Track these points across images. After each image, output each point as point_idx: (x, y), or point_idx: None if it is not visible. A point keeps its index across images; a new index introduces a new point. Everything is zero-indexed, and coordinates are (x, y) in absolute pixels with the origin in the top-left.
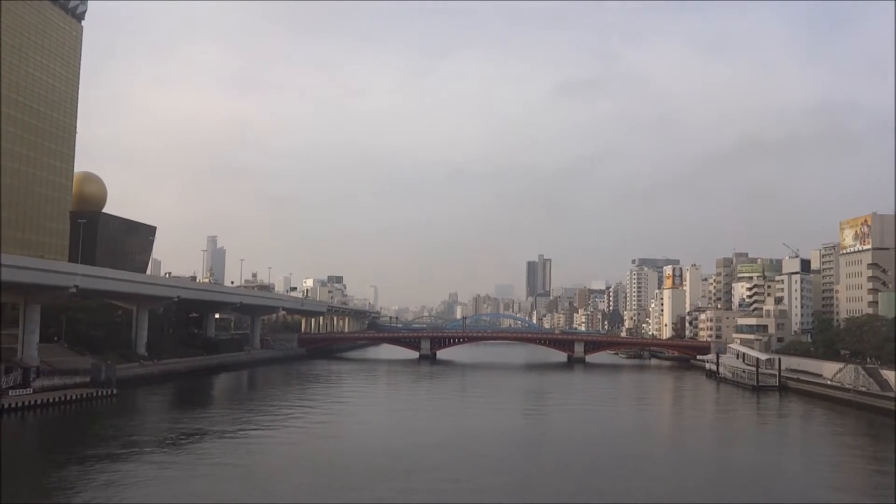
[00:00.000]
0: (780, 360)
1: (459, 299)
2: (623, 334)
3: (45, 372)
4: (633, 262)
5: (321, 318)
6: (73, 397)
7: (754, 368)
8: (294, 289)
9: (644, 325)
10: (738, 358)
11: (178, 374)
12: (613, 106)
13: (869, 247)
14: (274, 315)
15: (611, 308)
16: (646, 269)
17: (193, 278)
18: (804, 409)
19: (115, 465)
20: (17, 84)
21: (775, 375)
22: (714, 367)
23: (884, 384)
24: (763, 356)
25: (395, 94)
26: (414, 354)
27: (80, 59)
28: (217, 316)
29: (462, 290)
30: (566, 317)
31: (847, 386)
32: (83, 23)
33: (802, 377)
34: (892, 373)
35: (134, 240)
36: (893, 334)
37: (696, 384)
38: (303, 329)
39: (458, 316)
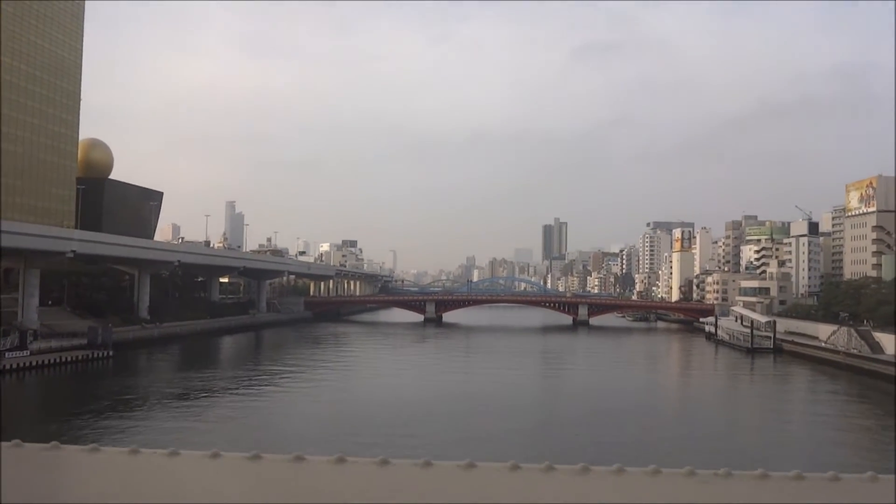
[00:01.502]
0: (775, 322)
1: (477, 263)
2: (634, 297)
3: (44, 334)
4: (648, 225)
5: (330, 281)
6: (69, 359)
7: (749, 331)
8: (303, 253)
9: (654, 288)
10: (736, 320)
11: (179, 337)
12: (632, 70)
13: (874, 209)
14: (283, 279)
15: (624, 271)
16: (658, 232)
17: (207, 243)
18: (789, 371)
19: (98, 421)
20: (19, 52)
21: (770, 338)
22: (713, 330)
23: (875, 346)
24: (763, 318)
25: (414, 59)
26: (420, 317)
27: (83, 26)
28: (226, 280)
29: (480, 254)
30: (580, 280)
31: (840, 348)
32: None
33: (798, 339)
34: (884, 335)
35: (141, 205)
36: (887, 296)
37: (692, 346)
38: (311, 292)
39: (476, 279)
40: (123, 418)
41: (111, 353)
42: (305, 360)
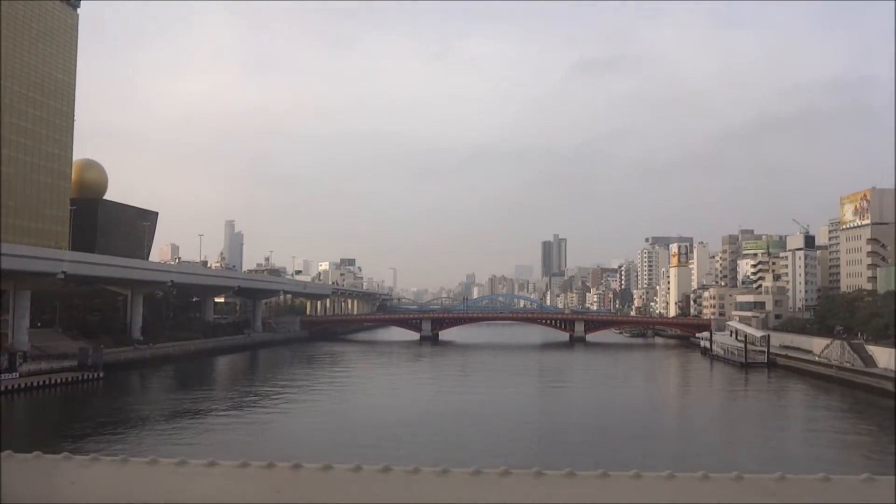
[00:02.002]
0: (769, 336)
1: (477, 280)
2: (633, 313)
3: (34, 356)
4: (647, 240)
5: (328, 300)
6: (59, 381)
7: (744, 345)
8: (299, 272)
9: (652, 304)
10: (731, 335)
11: (172, 358)
12: (630, 84)
13: (868, 222)
14: (280, 298)
15: (622, 287)
16: (657, 247)
17: (204, 262)
18: (781, 385)
19: (81, 444)
20: (13, 73)
21: (764, 352)
22: (708, 345)
23: (868, 360)
24: (758, 333)
25: (413, 76)
26: (416, 336)
27: (76, 47)
28: (222, 300)
29: (481, 272)
30: (579, 296)
31: (833, 362)
32: (79, 10)
33: (793, 353)
34: (877, 348)
35: (135, 225)
36: (880, 309)
37: (687, 361)
38: (308, 311)
39: (476, 296)
40: (107, 440)
41: (101, 374)
42: (296, 381)
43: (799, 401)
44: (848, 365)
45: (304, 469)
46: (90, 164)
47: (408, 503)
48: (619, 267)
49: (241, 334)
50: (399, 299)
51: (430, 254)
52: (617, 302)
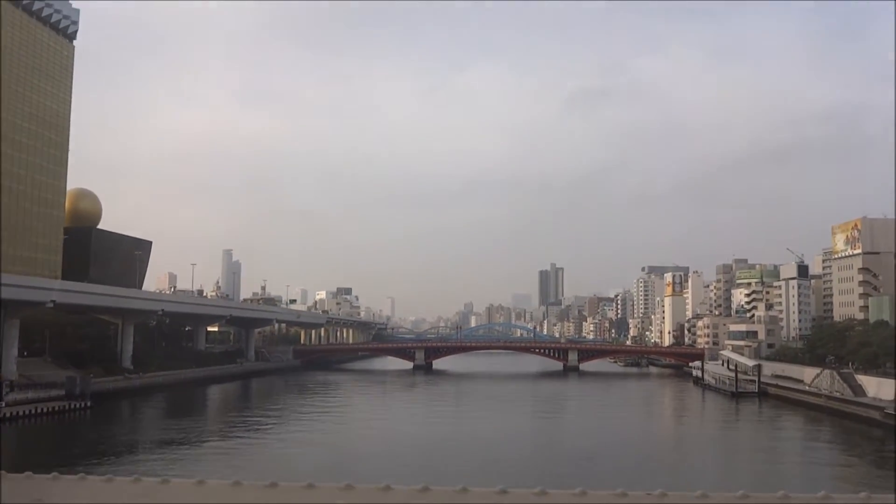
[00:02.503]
0: (760, 366)
1: (474, 309)
2: (629, 342)
3: (21, 385)
4: (643, 269)
5: (322, 329)
6: (46, 410)
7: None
8: (294, 301)
9: (648, 333)
10: (722, 364)
11: (162, 387)
12: (625, 115)
13: (859, 251)
14: (275, 326)
15: (619, 316)
16: (653, 276)
17: (200, 291)
18: (771, 415)
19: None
20: (8, 103)
21: (755, 381)
22: (700, 374)
23: (857, 389)
24: (750, 362)
25: (410, 108)
26: (410, 365)
27: (71, 79)
28: (216, 329)
29: (479, 301)
30: (575, 325)
31: (823, 391)
32: (75, 42)
33: (784, 383)
34: (866, 377)
35: (129, 254)
36: (869, 338)
37: (679, 391)
38: (302, 340)
39: (473, 325)
40: (91, 469)
41: (89, 403)
42: (280, 411)
43: (788, 430)
44: (837, 394)
45: (320, 489)
46: (84, 194)
47: None
48: (616, 296)
49: (233, 363)
50: (392, 329)
51: (428, 283)
52: (613, 331)
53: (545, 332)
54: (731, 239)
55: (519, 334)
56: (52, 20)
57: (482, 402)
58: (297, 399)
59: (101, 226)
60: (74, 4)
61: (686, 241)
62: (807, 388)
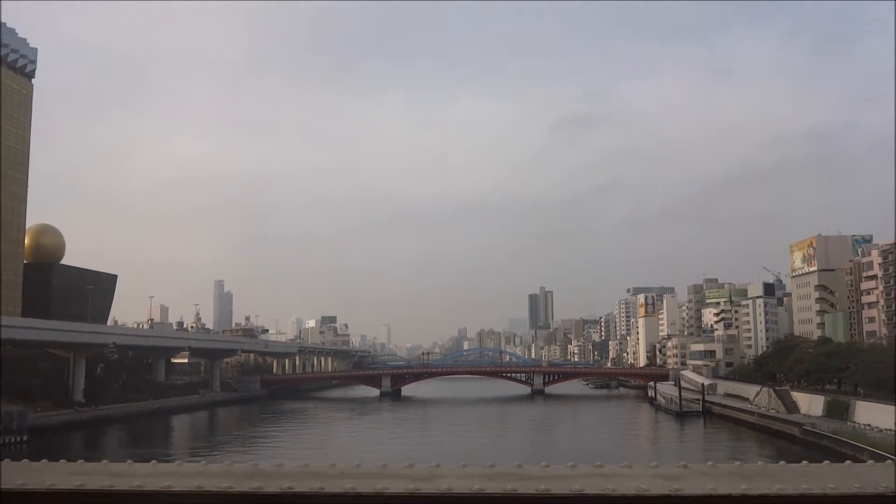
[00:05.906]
0: (707, 385)
1: (468, 334)
2: (608, 364)
3: None
4: (628, 290)
5: (296, 358)
6: None
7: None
8: (266, 330)
9: (625, 354)
10: (674, 385)
11: (114, 419)
12: (613, 139)
13: (815, 269)
14: (248, 357)
15: (602, 338)
16: (636, 297)
17: (181, 324)
18: (703, 432)
19: None
20: None
21: (699, 401)
22: (654, 395)
23: (791, 406)
24: (706, 381)
25: (402, 138)
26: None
27: (30, 116)
28: (185, 361)
29: (473, 326)
30: (561, 348)
31: (761, 409)
32: (34, 80)
33: (732, 402)
34: (801, 394)
35: (93, 289)
36: (802, 355)
37: (633, 411)
38: (274, 370)
39: (466, 349)
40: None
41: (26, 437)
42: (226, 440)
43: (709, 444)
44: (773, 411)
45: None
46: (46, 229)
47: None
48: (601, 318)
49: (195, 394)
50: (374, 357)
51: (425, 309)
52: (596, 353)
53: (534, 355)
54: (717, 258)
55: (508, 359)
56: (9, 59)
57: (436, 426)
58: (247, 428)
59: (89, 260)
60: (32, 44)
61: (676, 261)
62: (749, 406)
